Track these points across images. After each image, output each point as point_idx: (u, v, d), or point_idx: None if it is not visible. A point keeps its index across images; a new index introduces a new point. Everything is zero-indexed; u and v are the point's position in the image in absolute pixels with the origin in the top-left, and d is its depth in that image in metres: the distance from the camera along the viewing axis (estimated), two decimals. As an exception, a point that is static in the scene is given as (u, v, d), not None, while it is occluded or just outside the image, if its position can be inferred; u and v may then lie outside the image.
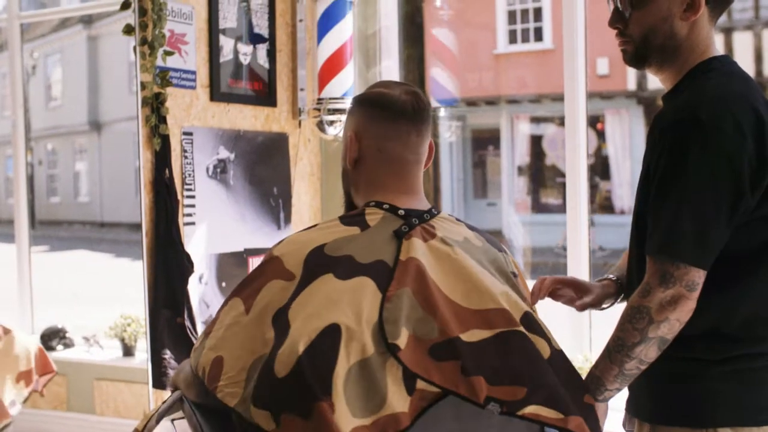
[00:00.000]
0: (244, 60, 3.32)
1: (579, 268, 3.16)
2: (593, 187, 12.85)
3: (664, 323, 1.52)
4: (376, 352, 1.46)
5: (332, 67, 3.37)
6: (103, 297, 8.78)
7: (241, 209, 3.28)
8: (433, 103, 4.16)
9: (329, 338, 1.45)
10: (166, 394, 2.67)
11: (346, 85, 3.42)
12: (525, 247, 11.93)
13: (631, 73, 12.92)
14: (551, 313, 2.07)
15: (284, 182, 3.49)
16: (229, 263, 3.22)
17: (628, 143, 13.37)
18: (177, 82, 3.00)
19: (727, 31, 11.65)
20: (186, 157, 3.04)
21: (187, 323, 2.94)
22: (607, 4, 1.73)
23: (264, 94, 3.42)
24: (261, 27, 3.39)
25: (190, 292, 2.97)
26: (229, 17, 3.24)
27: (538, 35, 13.64)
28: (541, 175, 14.37)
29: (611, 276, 1.87)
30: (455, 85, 4.54)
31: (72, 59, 19.04)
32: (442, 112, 4.53)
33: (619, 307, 1.84)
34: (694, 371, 1.60)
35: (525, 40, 13.74)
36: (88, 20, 17.79)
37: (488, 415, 1.50)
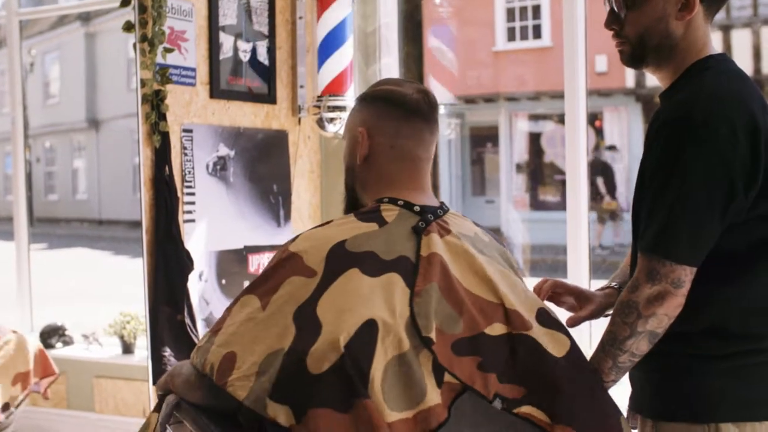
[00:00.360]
0: (244, 57, 3.32)
1: (579, 267, 3.16)
2: (591, 185, 12.85)
3: (652, 318, 1.55)
4: (411, 346, 1.48)
5: (332, 64, 3.37)
6: (102, 294, 8.78)
7: (240, 206, 3.28)
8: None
9: (367, 333, 1.46)
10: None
11: (347, 83, 3.41)
12: (524, 244, 11.92)
13: (630, 70, 12.92)
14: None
15: (284, 179, 3.49)
16: (229, 260, 3.22)
17: (626, 141, 13.38)
18: (177, 79, 3.00)
19: (726, 29, 11.65)
20: (186, 155, 3.03)
21: (187, 320, 2.94)
22: (603, 4, 1.73)
23: (264, 92, 3.41)
24: (261, 24, 3.39)
25: (190, 290, 2.97)
26: (228, 14, 3.24)
27: (537, 33, 13.63)
28: (540, 172, 14.37)
29: (613, 284, 1.88)
30: (454, 83, 4.54)
31: (70, 56, 19.02)
32: (441, 110, 4.53)
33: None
34: (695, 367, 1.61)
35: (524, 37, 13.73)
36: (86, 17, 17.77)
37: (501, 414, 1.53)
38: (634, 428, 1.76)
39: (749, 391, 1.59)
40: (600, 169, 12.55)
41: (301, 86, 3.53)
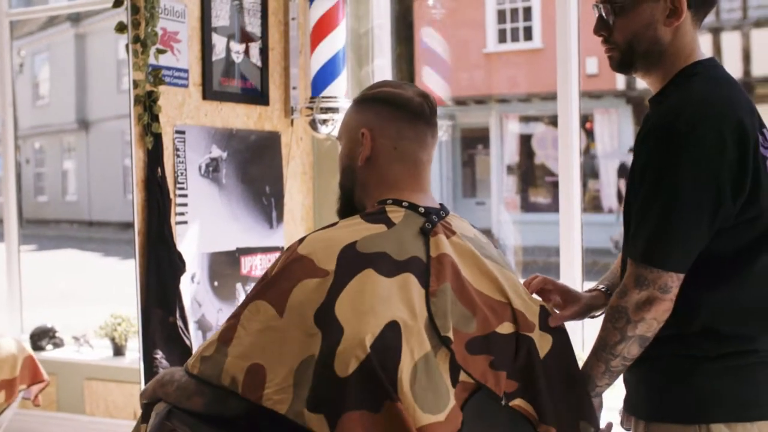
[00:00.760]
0: (237, 58, 3.31)
1: (572, 268, 3.17)
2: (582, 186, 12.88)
3: (641, 323, 1.58)
4: (431, 346, 1.50)
5: (325, 65, 3.36)
6: (92, 296, 8.75)
7: (233, 208, 3.27)
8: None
9: (392, 334, 1.47)
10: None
11: (339, 84, 3.41)
12: (516, 246, 11.94)
13: (620, 72, 12.93)
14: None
15: (277, 181, 3.48)
16: (221, 262, 3.21)
17: (616, 143, 13.42)
18: (169, 81, 2.99)
19: (716, 32, 11.69)
20: (178, 156, 3.02)
21: (179, 323, 2.93)
22: (592, 10, 1.74)
23: (256, 93, 3.41)
24: (253, 25, 3.38)
25: (182, 292, 2.96)
26: (221, 15, 3.23)
27: (528, 34, 13.66)
28: (531, 174, 14.40)
29: (601, 287, 1.88)
30: (445, 85, 4.55)
31: (60, 57, 18.94)
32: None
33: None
34: (688, 368, 1.62)
35: (515, 39, 13.75)
36: (75, 18, 17.70)
37: (503, 411, 1.58)
38: (629, 430, 1.76)
39: (740, 392, 1.60)
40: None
41: (294, 87, 3.52)
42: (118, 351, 4.18)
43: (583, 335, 3.17)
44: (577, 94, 3.19)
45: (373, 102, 1.73)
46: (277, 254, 3.45)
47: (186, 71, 3.07)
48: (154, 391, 1.71)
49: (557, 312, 1.78)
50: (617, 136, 13.43)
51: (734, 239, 1.58)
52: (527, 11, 13.75)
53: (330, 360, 1.44)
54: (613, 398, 1.92)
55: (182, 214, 3.03)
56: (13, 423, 4.00)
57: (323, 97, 3.37)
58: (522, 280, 1.80)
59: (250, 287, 3.31)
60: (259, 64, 3.41)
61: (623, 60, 1.71)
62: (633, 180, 1.63)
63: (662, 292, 1.55)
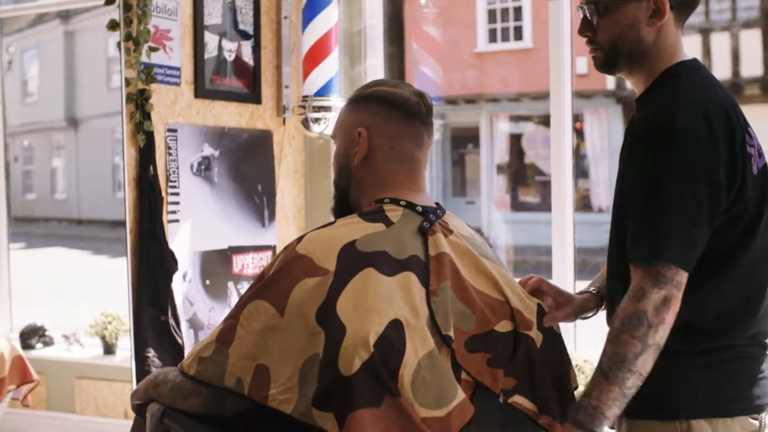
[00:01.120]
0: (229, 56, 3.31)
1: (564, 268, 3.18)
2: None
3: (662, 326, 1.52)
4: (434, 344, 1.51)
5: (317, 64, 3.36)
6: (82, 294, 8.71)
7: (225, 207, 3.26)
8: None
9: (395, 333, 1.47)
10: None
11: (332, 83, 3.41)
12: (507, 245, 11.97)
13: (610, 72, 12.97)
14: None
15: (269, 180, 3.48)
16: (213, 261, 3.20)
17: (606, 142, 13.45)
18: (161, 79, 2.98)
19: (705, 32, 11.73)
20: (170, 154, 3.02)
21: (171, 321, 2.93)
22: (577, 11, 1.76)
23: (249, 91, 3.40)
24: (246, 23, 3.38)
25: (174, 290, 2.96)
26: (213, 13, 3.22)
27: (518, 34, 13.68)
28: (521, 173, 14.43)
29: (592, 289, 1.89)
30: (437, 84, 4.55)
31: (49, 55, 18.84)
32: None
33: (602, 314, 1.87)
34: (668, 365, 1.61)
35: (505, 39, 13.77)
36: (65, 15, 17.61)
37: (502, 408, 1.59)
38: (613, 428, 1.77)
39: (721, 388, 1.61)
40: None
41: (286, 86, 3.52)
42: (109, 349, 4.17)
43: (575, 334, 3.18)
44: (570, 94, 3.20)
45: (369, 101, 1.73)
46: (269, 253, 3.44)
47: (178, 69, 3.07)
48: (146, 392, 1.70)
49: (548, 313, 1.79)
50: (607, 136, 13.46)
51: (717, 237, 1.59)
52: (518, 11, 13.77)
53: (333, 359, 1.44)
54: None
55: (174, 212, 3.03)
56: (2, 422, 3.98)
57: (316, 96, 3.37)
58: (517, 280, 1.81)
59: (241, 286, 3.31)
60: (251, 62, 3.41)
61: (607, 60, 1.73)
62: (625, 182, 1.64)
63: (677, 290, 1.52)
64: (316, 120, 3.39)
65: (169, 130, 3.02)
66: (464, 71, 13.67)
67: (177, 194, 3.04)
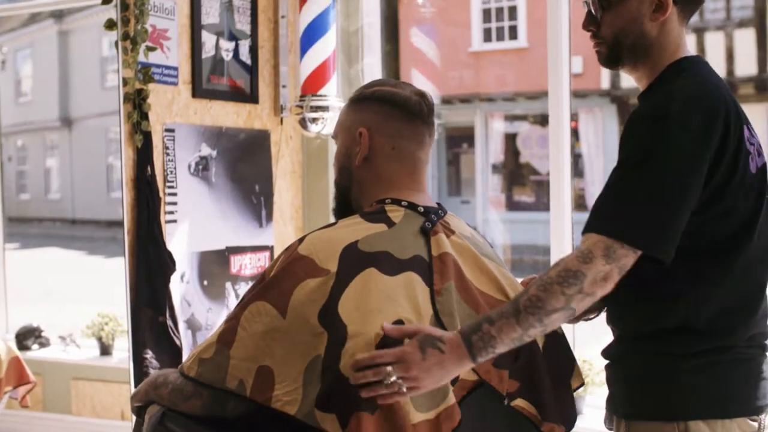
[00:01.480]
0: (226, 56, 3.30)
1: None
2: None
3: (589, 297, 1.48)
4: None
5: (317, 66, 3.35)
6: (77, 295, 8.68)
7: (222, 207, 3.25)
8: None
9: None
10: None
11: (329, 83, 3.40)
12: (503, 244, 11.97)
13: (605, 71, 13.00)
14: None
15: (266, 180, 3.47)
16: (210, 261, 3.19)
17: (601, 142, 13.47)
18: (159, 78, 2.97)
19: (699, 31, 11.76)
20: (168, 154, 3.01)
21: (169, 322, 2.92)
22: (582, 6, 1.76)
23: (246, 91, 3.39)
24: (243, 23, 3.37)
25: (172, 291, 2.94)
26: (211, 13, 3.21)
27: (513, 33, 13.69)
28: (515, 173, 14.44)
29: None
30: (432, 83, 4.54)
31: (42, 54, 18.79)
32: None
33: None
34: (666, 366, 1.62)
35: (500, 38, 13.78)
36: (58, 15, 17.56)
37: (502, 410, 1.59)
38: (611, 429, 1.77)
39: (719, 389, 1.61)
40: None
41: (284, 86, 3.51)
42: (105, 350, 4.15)
43: (573, 327, 3.17)
44: (568, 93, 3.19)
45: (370, 101, 1.72)
46: (266, 253, 3.43)
47: (175, 69, 3.05)
48: (147, 394, 1.69)
49: None
50: (602, 135, 13.48)
51: (711, 235, 1.59)
52: (512, 10, 13.78)
53: (336, 359, 1.44)
54: (598, 397, 1.92)
55: (171, 212, 3.02)
56: (-2, 423, 3.97)
57: (313, 96, 3.36)
58: (519, 280, 1.80)
59: (239, 286, 3.30)
60: (248, 62, 3.39)
61: (610, 54, 1.73)
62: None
63: (619, 272, 1.50)
64: (314, 120, 3.38)
65: (167, 130, 3.01)
66: (459, 71, 13.68)
67: (175, 194, 3.03)
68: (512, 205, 14.27)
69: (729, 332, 1.61)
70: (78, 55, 17.91)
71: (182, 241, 3.06)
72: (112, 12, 2.86)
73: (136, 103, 2.85)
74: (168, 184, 3.00)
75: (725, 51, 11.79)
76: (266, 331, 1.52)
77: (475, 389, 1.55)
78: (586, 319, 1.88)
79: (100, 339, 4.15)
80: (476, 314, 1.58)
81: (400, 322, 1.48)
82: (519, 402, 1.61)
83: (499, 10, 13.80)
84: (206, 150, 3.17)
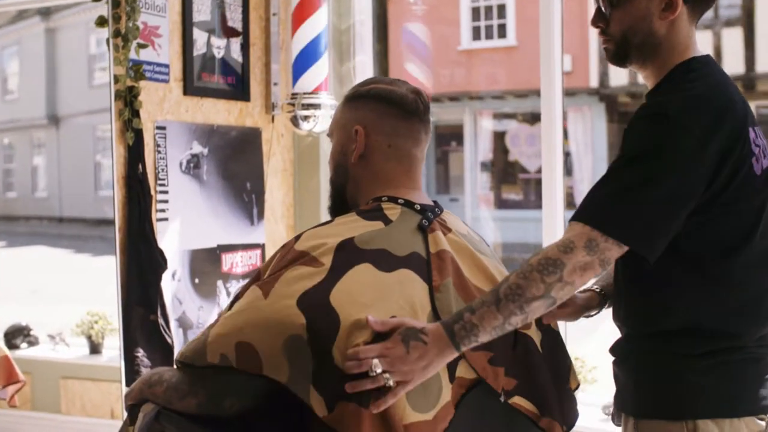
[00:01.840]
0: (218, 53, 3.28)
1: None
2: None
3: (569, 286, 1.49)
4: None
5: (310, 65, 3.34)
6: (65, 294, 8.63)
7: (214, 205, 3.24)
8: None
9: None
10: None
11: (321, 81, 3.39)
12: (493, 243, 11.98)
13: (594, 70, 13.04)
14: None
15: (257, 178, 3.46)
16: (202, 259, 3.18)
17: (590, 140, 13.50)
18: (150, 76, 2.95)
19: (687, 30, 11.78)
20: (159, 152, 2.99)
21: (161, 321, 2.90)
22: (590, 3, 1.76)
23: (237, 89, 3.38)
24: (234, 20, 3.35)
25: (163, 289, 2.93)
26: (202, 10, 3.20)
27: (502, 32, 13.70)
28: (504, 171, 14.46)
29: (595, 288, 1.88)
30: (422, 81, 4.54)
31: (29, 52, 18.71)
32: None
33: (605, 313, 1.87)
34: (676, 365, 1.62)
35: (489, 36, 13.79)
36: (45, 12, 17.47)
37: (500, 409, 1.59)
38: (619, 426, 1.78)
39: (728, 388, 1.61)
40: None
41: (275, 84, 3.50)
42: (95, 349, 4.13)
43: (566, 332, 3.18)
44: (561, 91, 3.20)
45: (366, 99, 1.72)
46: (257, 251, 3.42)
47: (167, 66, 3.04)
48: (141, 392, 1.67)
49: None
50: (590, 134, 13.51)
51: (714, 236, 1.59)
52: (501, 8, 13.79)
53: (327, 348, 1.43)
54: (603, 394, 1.93)
55: (163, 210, 3.00)
56: (-13, 423, 3.94)
57: (305, 94, 3.35)
58: None
59: (230, 284, 3.29)
60: (240, 59, 3.38)
61: (618, 52, 1.73)
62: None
63: (601, 265, 1.50)
64: (305, 118, 3.37)
65: (158, 128, 2.99)
66: (448, 69, 13.68)
67: (166, 192, 3.02)
68: (501, 203, 14.29)
69: (738, 333, 1.62)
70: (65, 53, 17.82)
71: (173, 239, 3.05)
72: (101, 9, 2.84)
73: (128, 101, 2.83)
74: (159, 181, 2.99)
75: (713, 50, 11.82)
76: (244, 310, 1.52)
77: (474, 387, 1.55)
78: (587, 316, 1.88)
79: (89, 337, 4.12)
80: None
81: (393, 317, 1.48)
82: (516, 399, 1.61)
83: (488, 9, 13.81)
84: (197, 148, 3.16)
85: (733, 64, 11.73)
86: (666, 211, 1.53)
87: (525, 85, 12.59)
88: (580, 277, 1.49)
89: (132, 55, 2.84)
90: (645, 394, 1.66)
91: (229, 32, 3.33)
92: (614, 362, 1.76)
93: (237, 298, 1.59)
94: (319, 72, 3.38)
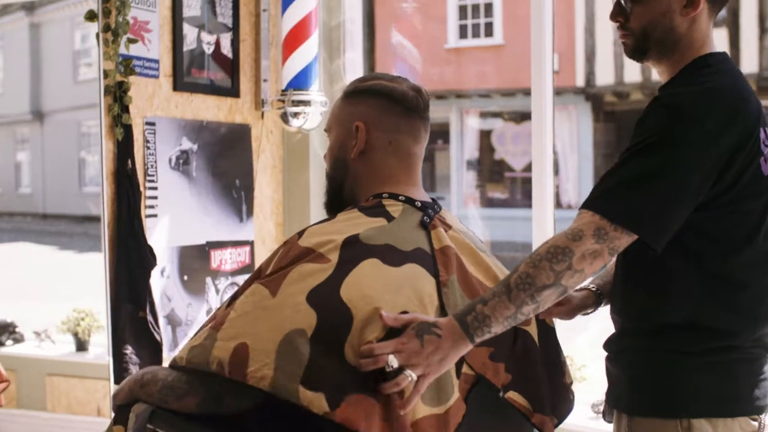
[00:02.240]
0: (208, 49, 3.26)
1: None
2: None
3: (578, 274, 1.50)
4: None
5: (294, 50, 3.33)
6: (49, 290, 8.58)
7: (203, 201, 3.22)
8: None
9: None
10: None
11: (310, 76, 3.37)
12: (484, 241, 12.00)
13: (580, 69, 13.08)
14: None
15: (247, 174, 3.44)
16: (191, 256, 3.16)
17: (576, 139, 13.55)
18: (140, 71, 2.93)
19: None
20: (148, 148, 2.97)
21: (150, 318, 2.88)
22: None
23: (227, 85, 3.36)
24: (225, 16, 3.34)
25: (152, 286, 2.91)
26: (192, 5, 3.18)
27: (489, 30, 13.72)
28: (490, 169, 14.49)
29: (591, 287, 1.89)
30: (410, 79, 4.52)
31: (13, 47, 18.54)
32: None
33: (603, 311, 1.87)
34: (671, 363, 1.63)
35: (476, 35, 13.81)
36: (29, 7, 17.33)
37: (501, 404, 1.60)
38: (611, 422, 1.78)
39: (722, 387, 1.62)
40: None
41: (265, 80, 3.48)
42: (81, 346, 4.11)
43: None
44: (552, 90, 3.20)
45: (367, 94, 1.72)
46: (247, 248, 3.41)
47: (157, 62, 3.02)
48: (131, 392, 1.64)
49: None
50: (576, 133, 13.56)
51: (716, 233, 1.60)
52: (488, 7, 13.82)
53: (336, 343, 1.42)
54: (594, 391, 1.93)
55: (152, 207, 2.98)
56: (-29, 420, 3.91)
57: (295, 90, 3.34)
58: None
59: (219, 281, 3.27)
60: (230, 55, 3.37)
61: (637, 47, 1.72)
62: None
63: (610, 253, 1.52)
64: (295, 114, 3.35)
65: (148, 124, 2.97)
66: (435, 67, 13.70)
67: (155, 188, 3.00)
68: (486, 202, 14.33)
69: (735, 332, 1.62)
70: (50, 48, 17.69)
71: (162, 235, 3.03)
72: (87, 5, 2.82)
73: (117, 96, 2.81)
74: (148, 178, 2.97)
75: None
76: (252, 310, 1.50)
77: (477, 383, 1.56)
78: (584, 314, 1.88)
79: (76, 335, 4.10)
80: None
81: (404, 312, 1.48)
82: (511, 394, 1.62)
83: (475, 7, 13.83)
84: (187, 144, 3.14)
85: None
86: (675, 202, 1.53)
87: (511, 84, 12.62)
88: (589, 265, 1.50)
89: (122, 50, 2.81)
90: (639, 392, 1.66)
91: (219, 28, 3.31)
92: (607, 358, 1.76)
93: (236, 296, 1.56)
94: (310, 69, 3.37)
